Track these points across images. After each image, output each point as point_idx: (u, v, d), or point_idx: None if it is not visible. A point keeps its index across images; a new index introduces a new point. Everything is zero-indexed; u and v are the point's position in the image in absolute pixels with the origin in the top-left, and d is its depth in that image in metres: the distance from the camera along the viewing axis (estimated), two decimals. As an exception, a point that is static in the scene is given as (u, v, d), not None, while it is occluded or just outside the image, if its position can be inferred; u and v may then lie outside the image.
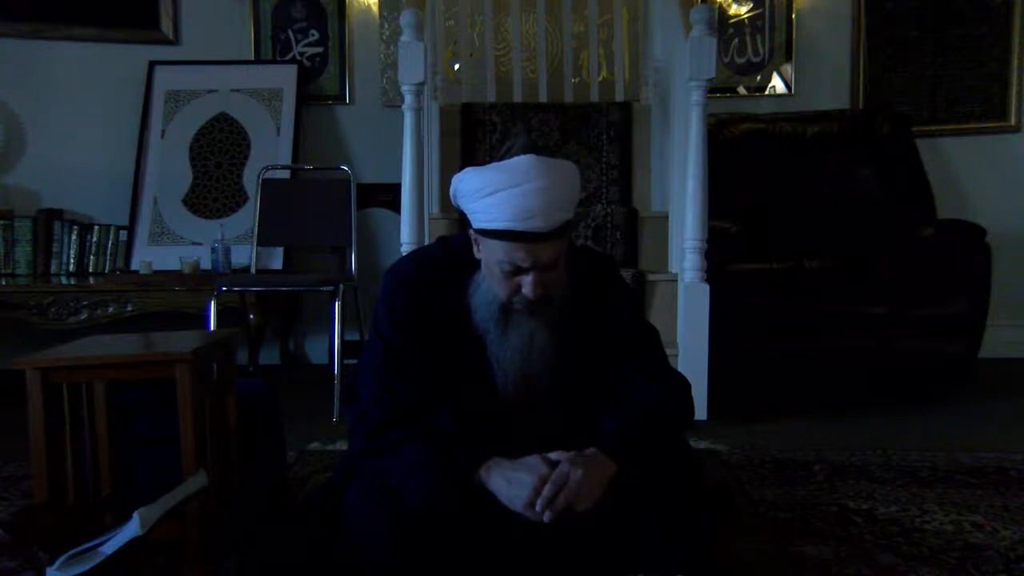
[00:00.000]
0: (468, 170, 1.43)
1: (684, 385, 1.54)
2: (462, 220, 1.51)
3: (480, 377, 1.47)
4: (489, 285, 1.45)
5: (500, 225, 1.36)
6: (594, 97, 3.74)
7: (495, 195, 1.35)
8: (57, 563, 1.36)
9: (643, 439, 1.42)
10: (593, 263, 1.61)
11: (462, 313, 1.47)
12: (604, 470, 1.35)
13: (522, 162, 1.36)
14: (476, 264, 1.48)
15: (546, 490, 1.30)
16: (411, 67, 2.78)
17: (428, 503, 1.34)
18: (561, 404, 1.49)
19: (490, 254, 1.41)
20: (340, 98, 4.08)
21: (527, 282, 1.39)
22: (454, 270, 1.51)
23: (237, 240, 3.67)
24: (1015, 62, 3.95)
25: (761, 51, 4.06)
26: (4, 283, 3.59)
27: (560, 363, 1.47)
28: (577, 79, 3.89)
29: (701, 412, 2.73)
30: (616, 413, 1.44)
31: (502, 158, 1.41)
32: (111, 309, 3.42)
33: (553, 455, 1.36)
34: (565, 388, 1.49)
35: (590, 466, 1.34)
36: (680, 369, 2.70)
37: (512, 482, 1.33)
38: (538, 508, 1.30)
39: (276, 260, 3.68)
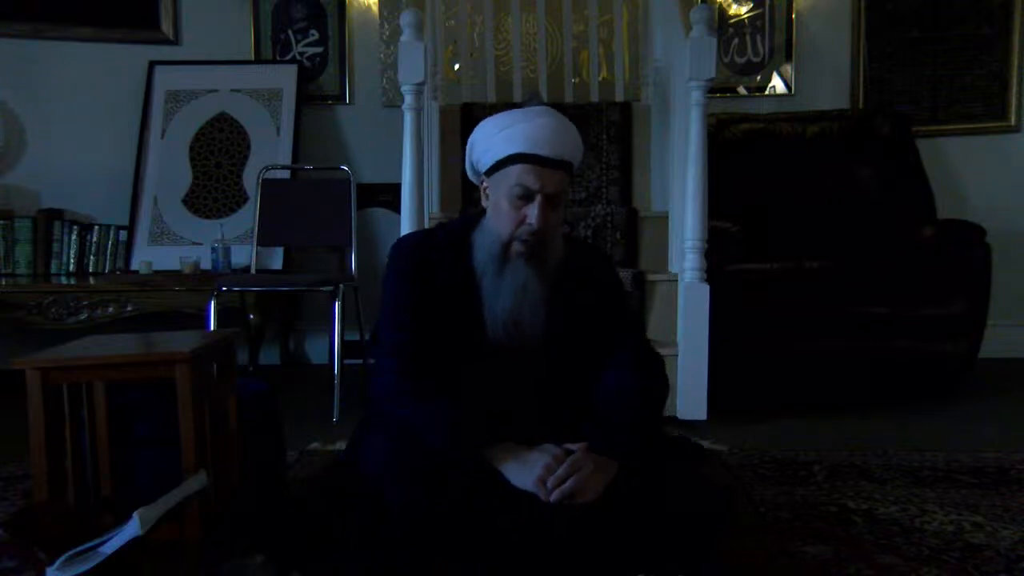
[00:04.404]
0: (484, 120, 1.59)
1: (661, 365, 1.65)
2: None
3: (471, 318, 1.54)
4: (493, 225, 1.54)
5: (515, 150, 1.49)
6: (594, 97, 3.74)
7: (511, 128, 1.51)
8: (57, 563, 1.36)
9: (641, 437, 1.48)
10: (587, 250, 1.76)
11: (462, 262, 1.57)
12: (608, 470, 1.41)
13: (536, 107, 1.56)
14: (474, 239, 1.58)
15: (561, 469, 1.37)
16: (411, 67, 2.78)
17: (448, 443, 1.42)
18: (548, 356, 1.56)
19: (501, 187, 1.52)
20: (340, 98, 4.08)
21: (533, 212, 1.49)
22: (458, 232, 1.62)
23: (237, 240, 3.68)
24: (1015, 62, 3.95)
25: (761, 51, 4.06)
26: (4, 283, 3.59)
27: (550, 320, 1.55)
28: (577, 79, 3.89)
29: (701, 412, 2.73)
30: (611, 411, 1.50)
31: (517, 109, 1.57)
32: (111, 309, 3.42)
33: (567, 446, 1.42)
34: (552, 343, 1.56)
35: (599, 463, 1.40)
36: (680, 369, 2.72)
37: (525, 461, 1.40)
38: (549, 485, 1.35)
39: (276, 260, 3.68)
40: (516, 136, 1.50)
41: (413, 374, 1.50)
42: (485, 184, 1.59)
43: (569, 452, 1.40)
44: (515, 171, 1.50)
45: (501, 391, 1.52)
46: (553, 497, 1.35)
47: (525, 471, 1.39)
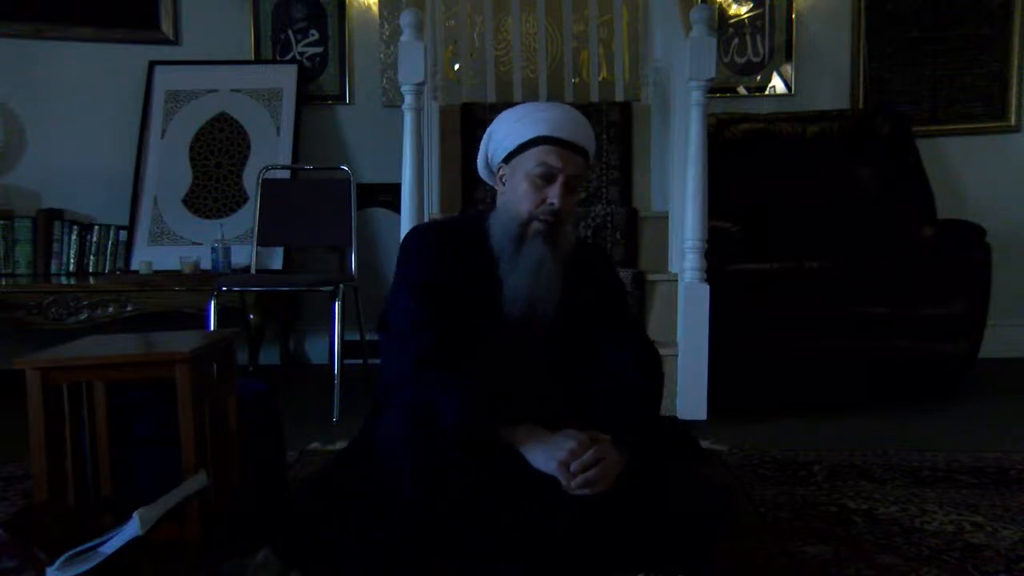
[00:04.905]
0: (502, 112, 1.64)
1: (660, 363, 1.67)
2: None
3: (487, 300, 1.55)
4: (512, 206, 1.56)
5: (537, 132, 1.54)
6: (594, 97, 3.74)
7: (532, 114, 1.57)
8: (57, 563, 1.36)
9: (644, 436, 1.49)
10: (589, 248, 1.79)
11: (478, 247, 1.58)
12: (620, 465, 1.42)
13: (554, 102, 1.67)
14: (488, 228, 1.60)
15: (587, 455, 1.37)
16: (411, 67, 2.78)
17: (463, 417, 1.41)
18: (557, 341, 1.58)
19: (521, 170, 1.55)
20: (340, 98, 4.08)
21: (554, 192, 1.53)
22: (470, 225, 1.64)
23: (237, 240, 3.68)
24: (1015, 62, 3.95)
25: (761, 51, 4.06)
26: (4, 283, 3.59)
27: (561, 304, 1.56)
28: (577, 79, 3.89)
29: (701, 412, 2.73)
30: (616, 410, 1.51)
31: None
32: (111, 309, 3.42)
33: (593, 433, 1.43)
34: (562, 327, 1.57)
35: (617, 456, 1.42)
36: (680, 369, 2.72)
37: (548, 443, 1.41)
38: (573, 469, 1.36)
39: (276, 260, 3.68)
40: (537, 121, 1.55)
41: (429, 355, 1.50)
42: (502, 172, 1.61)
43: (595, 438, 1.41)
44: (537, 152, 1.53)
45: (511, 373, 1.52)
46: (576, 483, 1.36)
47: (548, 453, 1.39)
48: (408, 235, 1.67)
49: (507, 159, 1.59)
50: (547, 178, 1.53)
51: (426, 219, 2.94)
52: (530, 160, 1.54)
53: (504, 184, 1.61)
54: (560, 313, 1.57)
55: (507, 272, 1.55)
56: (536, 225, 1.54)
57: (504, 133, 1.59)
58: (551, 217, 1.53)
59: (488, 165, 1.67)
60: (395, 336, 1.58)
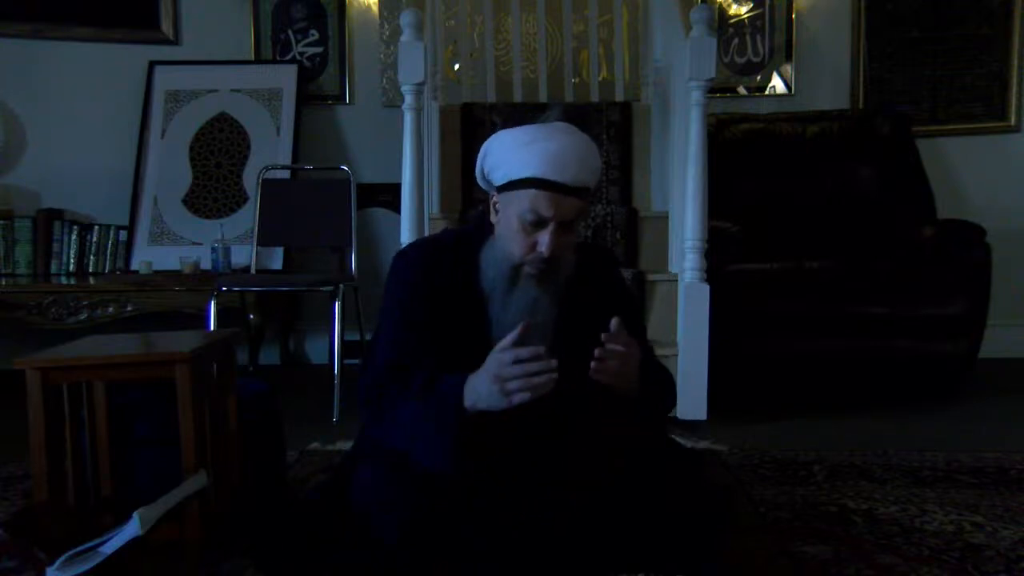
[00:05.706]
0: (503, 131, 1.53)
1: (673, 383, 1.67)
2: (463, 219, 1.54)
3: (478, 337, 1.49)
4: (503, 245, 1.49)
5: (532, 173, 1.43)
6: (594, 97, 3.74)
7: (531, 145, 1.44)
8: (57, 563, 1.36)
9: (659, 389, 1.54)
10: (596, 255, 1.70)
11: (468, 280, 1.52)
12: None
13: (558, 124, 1.49)
14: (485, 242, 1.54)
15: (614, 342, 1.39)
16: (411, 67, 2.78)
17: (442, 462, 1.36)
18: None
19: (513, 208, 1.46)
20: (340, 98, 4.08)
21: (543, 240, 1.44)
22: (463, 246, 1.57)
23: (237, 240, 3.68)
24: (1015, 62, 3.95)
25: (761, 51, 4.06)
26: (4, 283, 3.59)
27: (558, 338, 1.49)
28: (577, 79, 3.89)
29: (701, 412, 2.73)
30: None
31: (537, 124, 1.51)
32: (111, 309, 3.42)
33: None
34: (562, 344, 1.50)
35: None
36: (680, 369, 2.72)
37: (477, 375, 1.38)
38: (507, 373, 1.33)
39: (276, 260, 3.69)
40: (534, 156, 1.43)
41: (414, 362, 1.47)
42: (495, 199, 1.52)
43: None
44: (529, 196, 1.43)
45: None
46: (594, 370, 1.37)
47: (480, 386, 1.36)
48: (397, 259, 1.60)
49: (500, 189, 1.50)
50: (538, 225, 1.44)
51: (426, 219, 2.93)
52: (521, 202, 1.44)
53: (497, 213, 1.52)
54: (560, 336, 1.50)
55: (498, 312, 1.49)
56: (528, 269, 1.48)
57: (498, 160, 1.49)
58: (542, 265, 1.46)
59: (484, 178, 1.58)
60: (372, 370, 1.53)
